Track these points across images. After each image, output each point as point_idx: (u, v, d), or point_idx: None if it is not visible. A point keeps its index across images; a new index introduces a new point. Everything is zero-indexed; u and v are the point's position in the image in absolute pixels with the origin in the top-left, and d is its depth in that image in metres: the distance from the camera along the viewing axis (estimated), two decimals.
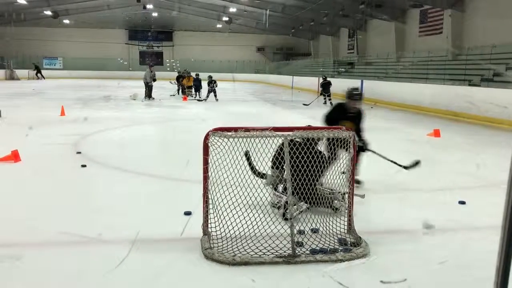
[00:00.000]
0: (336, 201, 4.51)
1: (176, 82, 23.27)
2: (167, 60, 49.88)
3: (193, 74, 22.41)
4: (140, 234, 3.93)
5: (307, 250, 3.66)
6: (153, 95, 19.44)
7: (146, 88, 19.37)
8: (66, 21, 44.21)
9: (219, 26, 46.41)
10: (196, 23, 46.50)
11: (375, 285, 3.21)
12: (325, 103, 18.67)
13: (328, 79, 19.64)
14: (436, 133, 10.30)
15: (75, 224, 4.22)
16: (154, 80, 19.42)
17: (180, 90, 22.43)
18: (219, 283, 3.19)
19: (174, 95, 21.82)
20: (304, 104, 18.44)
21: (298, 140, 4.11)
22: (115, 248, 3.70)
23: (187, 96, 21.05)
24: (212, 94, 19.71)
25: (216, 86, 19.84)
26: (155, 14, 44.79)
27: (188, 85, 21.87)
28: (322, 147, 4.55)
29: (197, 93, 21.13)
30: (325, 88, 18.99)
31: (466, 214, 4.82)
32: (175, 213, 4.54)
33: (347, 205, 4.15)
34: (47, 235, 4.01)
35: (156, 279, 3.21)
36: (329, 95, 18.88)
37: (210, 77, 19.97)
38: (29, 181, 5.94)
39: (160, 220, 4.38)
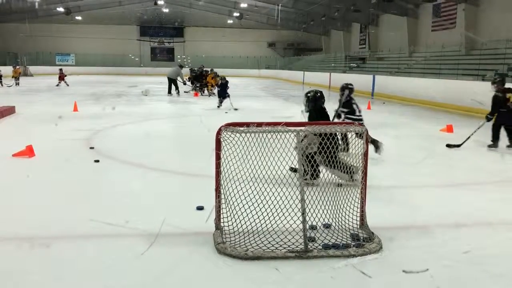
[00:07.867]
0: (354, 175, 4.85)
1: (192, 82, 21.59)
2: (178, 56, 50.05)
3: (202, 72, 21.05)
4: (154, 228, 3.96)
5: (319, 245, 3.66)
6: (173, 91, 19.74)
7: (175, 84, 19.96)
8: (78, 18, 44.60)
9: (230, 21, 46.43)
10: (207, 19, 46.59)
11: (397, 275, 3.23)
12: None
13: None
14: (449, 129, 10.20)
15: (93, 216, 4.27)
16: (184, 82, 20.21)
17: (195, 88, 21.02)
18: (231, 277, 3.21)
19: (190, 90, 21.23)
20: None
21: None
22: (133, 242, 3.75)
23: (199, 92, 20.49)
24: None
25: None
26: (166, 10, 44.96)
27: (211, 83, 19.57)
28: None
29: (225, 98, 15.10)
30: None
31: (480, 210, 4.77)
32: (188, 207, 4.56)
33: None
34: (67, 226, 4.11)
35: (170, 273, 3.23)
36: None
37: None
38: (45, 175, 6.01)
39: (173, 214, 4.39)
